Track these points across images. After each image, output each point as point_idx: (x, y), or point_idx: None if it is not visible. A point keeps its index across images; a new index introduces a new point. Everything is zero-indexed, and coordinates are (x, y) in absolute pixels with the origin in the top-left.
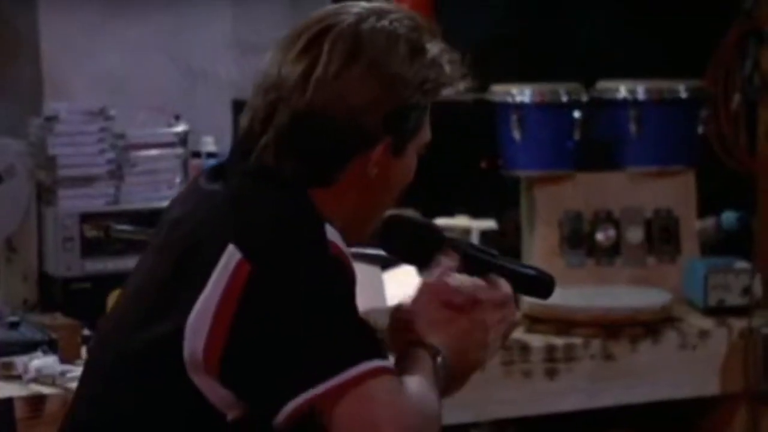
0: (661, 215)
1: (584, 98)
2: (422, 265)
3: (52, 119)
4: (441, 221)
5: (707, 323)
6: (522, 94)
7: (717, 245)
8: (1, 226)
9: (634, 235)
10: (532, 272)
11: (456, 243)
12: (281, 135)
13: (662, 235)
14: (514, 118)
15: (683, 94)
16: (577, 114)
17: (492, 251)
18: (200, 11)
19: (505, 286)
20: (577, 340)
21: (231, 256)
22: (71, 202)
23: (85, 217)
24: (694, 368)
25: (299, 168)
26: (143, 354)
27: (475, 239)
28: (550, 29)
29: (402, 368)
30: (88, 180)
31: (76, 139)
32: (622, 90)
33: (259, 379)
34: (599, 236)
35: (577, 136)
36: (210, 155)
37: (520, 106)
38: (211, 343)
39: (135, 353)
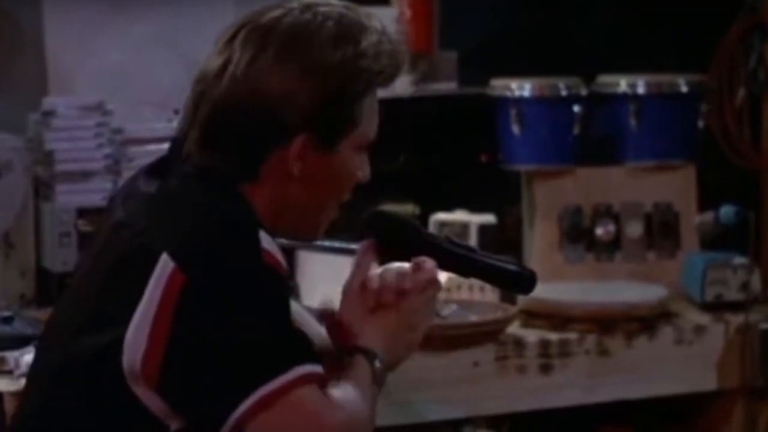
0: (661, 210)
1: (584, 92)
2: (400, 261)
3: (49, 114)
4: (440, 216)
5: (704, 318)
6: (521, 88)
7: (718, 240)
8: None
9: (634, 229)
10: (512, 267)
11: (432, 238)
12: (203, 128)
13: (662, 230)
14: (513, 112)
15: (683, 88)
16: (576, 108)
17: (471, 246)
18: (202, 8)
19: (428, 264)
20: (572, 336)
21: (165, 266)
22: (68, 197)
23: (82, 212)
24: (690, 364)
25: (223, 163)
26: (84, 363)
27: (473, 234)
28: (554, 23)
29: (338, 375)
30: (85, 175)
31: (74, 134)
32: (623, 84)
33: (195, 392)
34: (599, 231)
35: (576, 130)
36: None
37: (519, 101)
38: (149, 355)
39: (76, 362)
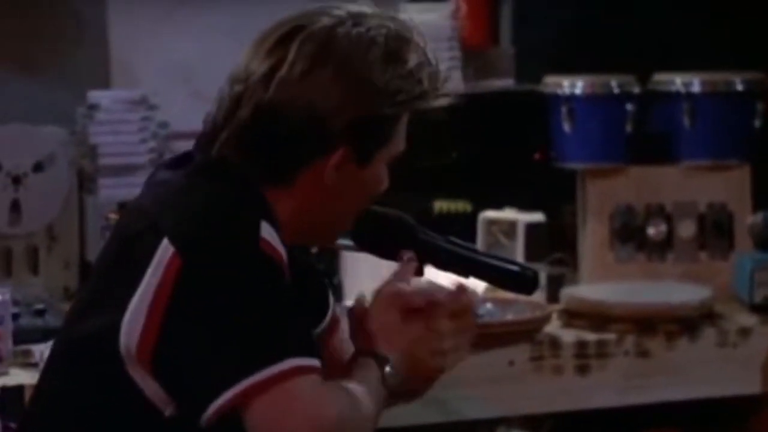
0: (715, 210)
1: (636, 90)
2: (396, 260)
3: (94, 107)
4: (488, 214)
5: (750, 320)
6: (573, 86)
7: None
8: (42, 214)
9: (686, 229)
10: (514, 268)
11: (430, 238)
12: (241, 129)
13: (715, 230)
14: (564, 110)
15: (739, 87)
16: (629, 106)
17: (472, 246)
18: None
19: (468, 295)
20: (610, 336)
21: (165, 250)
22: (112, 191)
23: (124, 206)
24: (734, 366)
25: (255, 164)
26: (84, 345)
27: (520, 233)
28: (619, 20)
29: (343, 373)
30: (129, 169)
31: (117, 127)
32: (677, 82)
33: (187, 375)
34: (650, 230)
35: (629, 128)
36: None
37: (571, 98)
38: (144, 337)
39: (77, 344)
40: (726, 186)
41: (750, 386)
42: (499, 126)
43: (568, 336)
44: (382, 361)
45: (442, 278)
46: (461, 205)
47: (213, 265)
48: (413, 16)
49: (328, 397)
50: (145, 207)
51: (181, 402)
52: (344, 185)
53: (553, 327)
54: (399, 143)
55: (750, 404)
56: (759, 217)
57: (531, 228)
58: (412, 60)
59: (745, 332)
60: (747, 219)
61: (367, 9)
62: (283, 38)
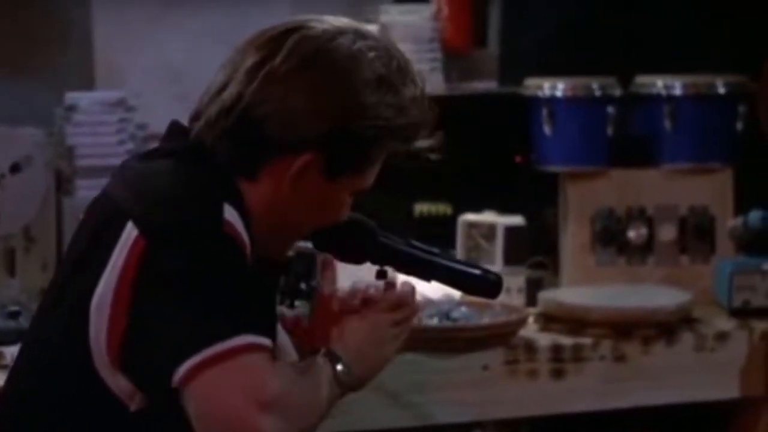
0: (696, 213)
1: (617, 93)
2: (355, 263)
3: (72, 109)
4: (468, 217)
5: (728, 325)
6: (553, 88)
7: (754, 245)
8: (19, 215)
9: (668, 233)
10: (475, 271)
11: (391, 242)
12: (218, 115)
13: (696, 234)
14: (545, 112)
15: (721, 90)
16: (610, 109)
17: (433, 250)
18: (257, 3)
19: (404, 286)
20: (587, 341)
21: (129, 233)
22: (89, 192)
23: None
24: (712, 371)
25: (225, 152)
26: (50, 343)
27: (499, 236)
28: (603, 22)
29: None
30: (106, 170)
31: (96, 129)
32: (659, 85)
33: (145, 352)
34: (631, 234)
35: (610, 131)
36: None
37: (551, 101)
38: (112, 321)
39: (44, 342)
40: (708, 189)
41: (728, 391)
42: (481, 128)
43: (544, 340)
44: (334, 359)
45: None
46: (442, 208)
47: (175, 244)
48: (395, 17)
49: (273, 372)
50: (112, 194)
51: (143, 384)
52: (303, 193)
53: (530, 331)
54: (368, 177)
55: (728, 409)
56: (739, 220)
57: (510, 231)
58: (405, 94)
59: (723, 337)
60: (728, 222)
61: (371, 28)
62: (279, 35)
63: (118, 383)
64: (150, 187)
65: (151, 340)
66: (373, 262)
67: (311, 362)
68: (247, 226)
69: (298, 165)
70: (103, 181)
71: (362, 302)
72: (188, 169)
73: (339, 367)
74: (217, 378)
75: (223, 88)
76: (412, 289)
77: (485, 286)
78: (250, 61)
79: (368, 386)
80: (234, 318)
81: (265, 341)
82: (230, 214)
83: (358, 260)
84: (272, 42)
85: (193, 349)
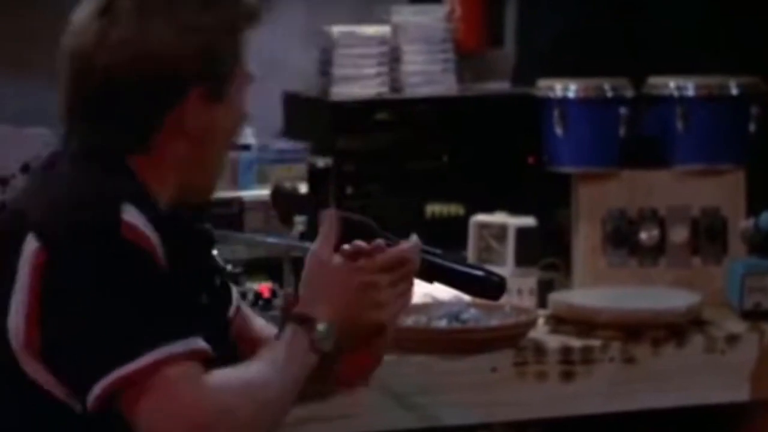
0: (708, 215)
1: (629, 94)
2: None
3: None
4: (479, 218)
5: (739, 327)
6: (565, 89)
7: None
8: None
9: (679, 234)
10: (479, 273)
11: (394, 243)
12: (92, 102)
13: (708, 235)
14: (556, 113)
15: (734, 91)
16: (622, 110)
17: (435, 251)
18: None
19: (406, 245)
20: (596, 343)
21: (30, 246)
22: None
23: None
24: (722, 374)
25: (114, 135)
26: None
27: (511, 237)
28: (624, 23)
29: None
30: None
31: None
32: (671, 86)
33: (67, 369)
34: (643, 235)
35: (622, 132)
36: (244, 147)
37: (563, 102)
38: (28, 336)
39: None
40: (720, 191)
41: (738, 394)
42: (493, 129)
43: (553, 342)
44: (310, 324)
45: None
46: (454, 209)
47: (75, 257)
48: (407, 18)
49: (206, 388)
50: (16, 206)
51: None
52: (208, 128)
53: (539, 333)
54: (246, 70)
55: (737, 412)
56: (750, 222)
57: (522, 232)
58: None
59: (733, 339)
60: (740, 224)
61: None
62: (105, 5)
63: (57, 388)
64: (48, 197)
65: (63, 362)
66: None
67: (276, 349)
68: (155, 217)
69: (189, 108)
70: None
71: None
72: (83, 173)
73: (318, 330)
74: (144, 397)
75: (79, 78)
76: (416, 247)
77: (488, 287)
78: (89, 41)
79: (374, 387)
80: (149, 329)
81: (192, 346)
82: (130, 214)
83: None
84: (102, 14)
85: (102, 372)
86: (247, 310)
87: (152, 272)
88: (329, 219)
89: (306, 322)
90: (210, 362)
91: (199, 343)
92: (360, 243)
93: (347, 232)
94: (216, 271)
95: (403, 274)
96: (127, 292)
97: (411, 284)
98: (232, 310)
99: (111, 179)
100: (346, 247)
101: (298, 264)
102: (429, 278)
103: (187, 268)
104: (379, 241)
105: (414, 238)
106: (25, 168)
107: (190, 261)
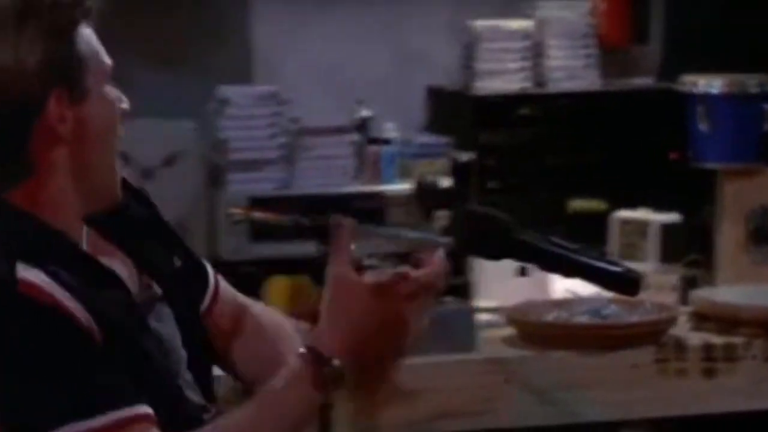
0: None
1: None
2: (493, 259)
3: (224, 102)
4: (621, 214)
5: None
6: (709, 85)
7: None
8: (171, 208)
9: None
10: (616, 269)
11: (529, 238)
12: None
13: None
14: (700, 109)
15: None
16: (767, 106)
17: (571, 246)
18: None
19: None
20: (738, 340)
21: None
22: (241, 185)
23: (255, 201)
24: None
25: None
26: None
27: (653, 233)
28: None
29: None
30: (258, 163)
31: (248, 122)
32: None
33: None
34: None
35: (767, 128)
36: (386, 142)
37: (707, 97)
38: None
39: None
40: None
41: None
42: (636, 124)
43: (695, 339)
44: (318, 360)
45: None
46: (596, 204)
47: None
48: (551, 13)
49: None
50: None
51: None
52: (83, 129)
53: (680, 330)
54: (99, 58)
55: None
56: None
57: (666, 228)
58: None
59: None
60: None
61: None
62: None
63: None
64: None
65: None
66: (512, 259)
67: (269, 396)
68: (59, 259)
69: (53, 114)
70: (255, 175)
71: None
72: None
73: (329, 367)
74: None
75: None
76: (440, 267)
77: (625, 283)
78: None
79: (516, 383)
80: (58, 400)
81: (119, 413)
82: (26, 270)
83: (496, 256)
84: None
85: None
86: (227, 292)
87: (56, 333)
88: (341, 229)
89: (312, 358)
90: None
91: (127, 408)
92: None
93: (484, 227)
94: (173, 254)
95: (418, 304)
96: (29, 362)
97: (426, 313)
98: (205, 301)
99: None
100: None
101: None
102: (566, 273)
103: (112, 303)
104: (404, 269)
105: (439, 253)
106: (169, 160)
107: (114, 293)
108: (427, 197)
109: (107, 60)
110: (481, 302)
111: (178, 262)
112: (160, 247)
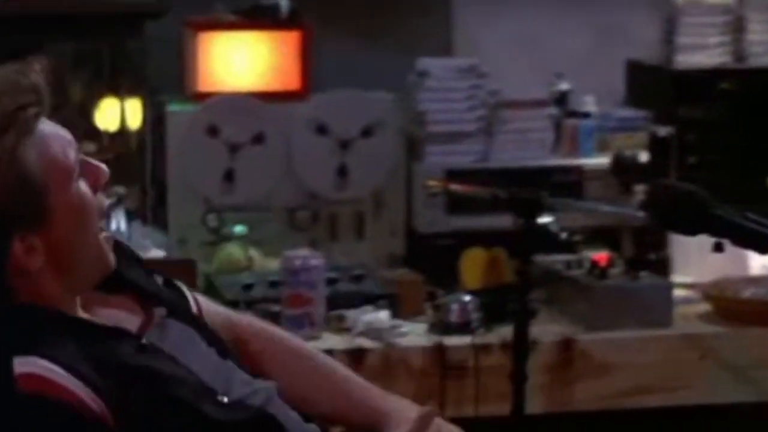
0: None
1: None
2: (689, 234)
3: (423, 74)
4: None
5: None
6: None
7: None
8: (369, 179)
9: None
10: None
11: (726, 214)
12: None
13: None
14: None
15: None
16: None
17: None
18: None
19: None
20: None
21: None
22: (439, 158)
23: (452, 174)
24: None
25: None
26: None
27: None
28: None
29: None
30: (456, 136)
31: (447, 95)
32: None
33: None
34: None
35: None
36: (585, 115)
37: None
38: None
39: None
40: None
41: None
42: None
43: None
44: None
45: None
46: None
47: None
48: None
49: None
50: None
51: None
52: (55, 244)
53: None
54: (55, 160)
55: None
56: None
57: None
58: None
59: None
60: None
61: None
62: None
63: None
64: None
65: None
66: (707, 234)
67: None
68: (49, 331)
69: (19, 252)
70: (452, 147)
71: None
72: None
73: None
74: None
75: None
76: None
77: None
78: None
79: (711, 360)
80: None
81: None
82: (25, 363)
83: (691, 231)
84: None
85: None
86: (209, 303)
87: (65, 422)
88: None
89: None
90: None
91: None
92: None
93: (681, 202)
94: (151, 274)
95: None
96: None
97: None
98: (193, 309)
99: None
100: None
101: (637, 234)
102: (762, 249)
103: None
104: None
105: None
106: (367, 131)
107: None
108: (624, 171)
109: (70, 155)
110: (677, 278)
111: (159, 280)
112: (140, 270)
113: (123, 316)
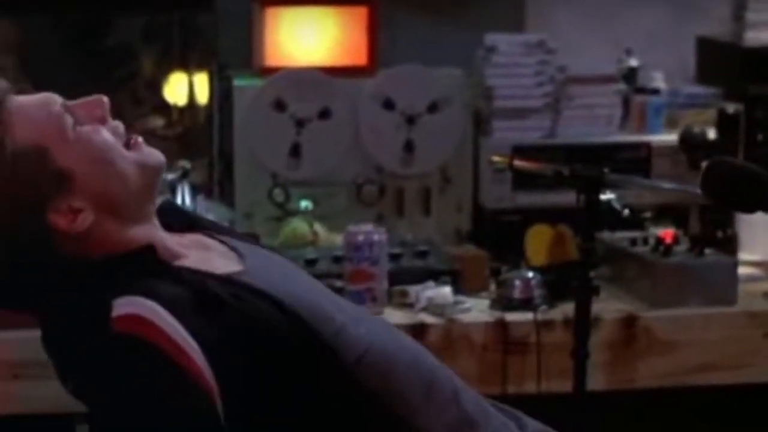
0: None
1: None
2: (747, 211)
3: (491, 50)
4: None
5: None
6: None
7: None
8: (435, 155)
9: None
10: None
11: None
12: None
13: None
14: None
15: None
16: None
17: None
18: None
19: None
20: None
21: None
22: (506, 133)
23: (518, 149)
24: None
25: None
26: None
27: None
28: None
29: None
30: (523, 112)
31: (514, 70)
32: None
33: None
34: None
35: None
36: (653, 92)
37: None
38: None
39: None
40: None
41: None
42: None
43: None
44: None
45: None
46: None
47: (92, 378)
48: None
49: None
50: None
51: None
52: (93, 191)
53: None
54: (44, 118)
55: None
56: None
57: None
58: None
59: None
60: None
61: None
62: None
63: None
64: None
65: None
66: (765, 212)
67: None
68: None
69: (63, 228)
70: (519, 123)
71: None
72: (69, 296)
73: None
74: None
75: None
76: None
77: None
78: None
79: None
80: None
81: None
82: (121, 304)
83: (749, 209)
84: None
85: None
86: None
87: (163, 364)
88: None
89: None
90: None
91: None
92: None
93: (740, 180)
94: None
95: None
96: (141, 403)
97: None
98: None
99: (86, 284)
100: None
101: (704, 212)
102: None
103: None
104: None
105: None
106: (433, 107)
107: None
108: (693, 148)
109: (53, 110)
110: (743, 255)
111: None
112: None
113: (215, 258)
